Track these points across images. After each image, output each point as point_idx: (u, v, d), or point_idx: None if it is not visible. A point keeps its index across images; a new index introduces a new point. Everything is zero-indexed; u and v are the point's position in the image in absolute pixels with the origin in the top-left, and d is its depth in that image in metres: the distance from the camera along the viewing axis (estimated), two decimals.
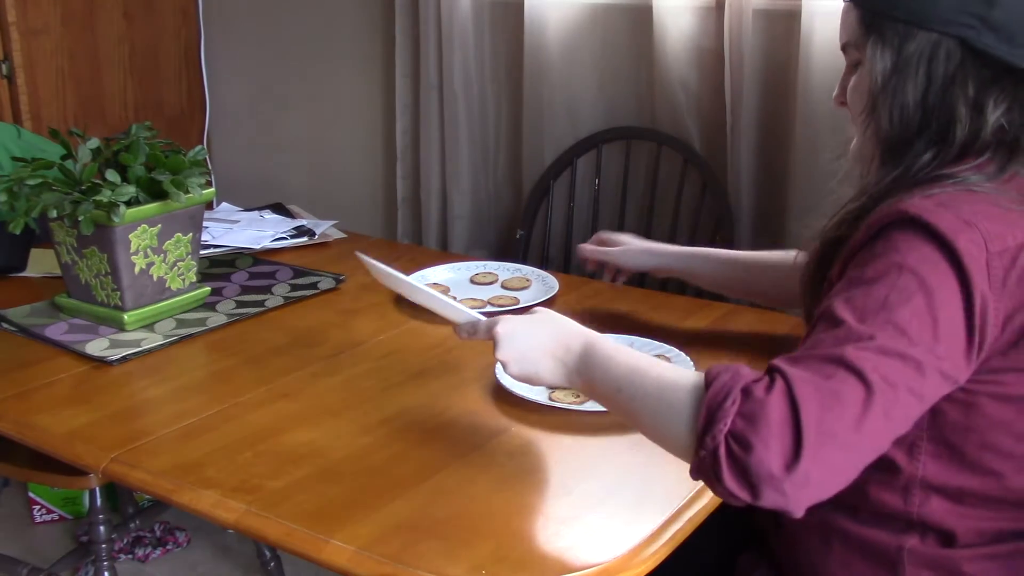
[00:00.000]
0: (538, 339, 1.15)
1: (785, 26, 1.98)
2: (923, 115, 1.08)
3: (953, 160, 1.07)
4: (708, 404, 0.95)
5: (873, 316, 0.96)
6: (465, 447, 1.26)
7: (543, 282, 1.80)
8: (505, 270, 1.88)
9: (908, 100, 1.08)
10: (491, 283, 1.82)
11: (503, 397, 1.38)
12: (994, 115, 1.06)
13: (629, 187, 2.25)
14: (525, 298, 1.73)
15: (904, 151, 1.09)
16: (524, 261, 2.31)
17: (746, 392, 0.94)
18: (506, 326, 1.17)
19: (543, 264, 2.31)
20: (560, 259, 2.33)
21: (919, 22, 1.06)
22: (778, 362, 0.96)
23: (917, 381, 0.95)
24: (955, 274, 0.97)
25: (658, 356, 1.46)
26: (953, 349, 0.97)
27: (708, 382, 0.97)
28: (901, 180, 1.08)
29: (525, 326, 1.17)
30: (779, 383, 0.93)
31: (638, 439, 1.24)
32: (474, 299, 1.74)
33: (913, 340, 0.95)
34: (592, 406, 1.33)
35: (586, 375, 1.11)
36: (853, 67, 1.15)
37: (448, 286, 1.80)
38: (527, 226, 2.34)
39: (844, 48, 1.16)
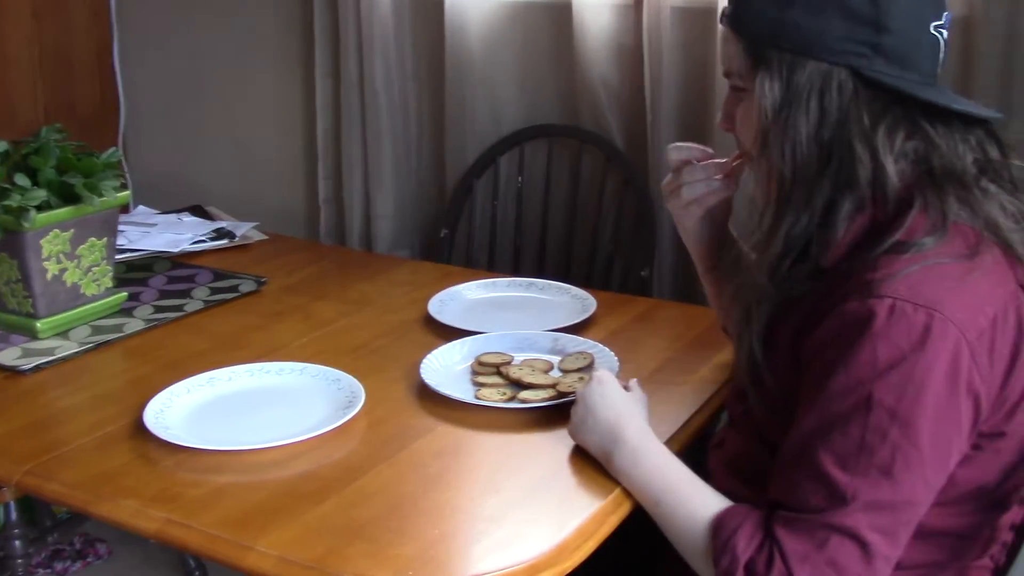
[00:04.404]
0: (600, 414, 1.19)
1: (703, 23, 2.00)
2: (819, 151, 1.03)
3: (890, 212, 1.02)
4: None
5: (855, 463, 0.97)
6: (391, 448, 1.26)
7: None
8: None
9: (801, 135, 1.03)
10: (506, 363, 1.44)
11: (428, 396, 1.37)
12: (895, 148, 1.02)
13: (552, 184, 2.25)
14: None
15: (806, 192, 1.04)
16: (449, 260, 2.30)
17: (748, 573, 0.99)
18: (586, 393, 1.22)
19: (467, 262, 2.30)
20: (484, 257, 2.33)
21: (807, 52, 1.02)
22: (776, 530, 0.99)
23: (914, 511, 0.99)
24: (945, 372, 0.95)
25: (580, 352, 1.47)
26: (944, 452, 0.98)
27: (717, 551, 1.01)
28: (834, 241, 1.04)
29: (594, 399, 1.21)
30: (778, 564, 0.97)
31: (564, 436, 1.25)
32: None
33: (898, 480, 0.96)
34: (517, 404, 1.33)
35: (625, 474, 1.15)
36: (736, 93, 1.11)
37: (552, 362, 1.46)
38: (451, 225, 2.33)
39: (727, 75, 1.12)
